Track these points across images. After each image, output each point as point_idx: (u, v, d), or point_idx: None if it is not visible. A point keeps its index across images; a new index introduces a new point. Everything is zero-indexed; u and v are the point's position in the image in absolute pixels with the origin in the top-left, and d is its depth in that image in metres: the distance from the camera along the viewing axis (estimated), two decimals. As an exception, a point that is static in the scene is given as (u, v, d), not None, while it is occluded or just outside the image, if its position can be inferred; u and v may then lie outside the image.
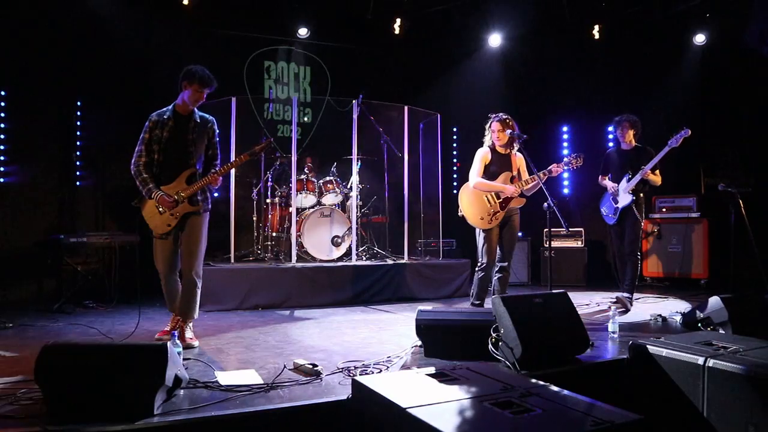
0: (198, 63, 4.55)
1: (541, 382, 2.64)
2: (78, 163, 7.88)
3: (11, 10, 6.92)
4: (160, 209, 4.39)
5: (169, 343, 2.86)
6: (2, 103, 7.35)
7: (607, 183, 6.29)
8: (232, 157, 6.70)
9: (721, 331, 4.32)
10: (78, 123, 7.93)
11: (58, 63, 7.42)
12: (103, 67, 7.59)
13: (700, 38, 8.58)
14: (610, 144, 9.35)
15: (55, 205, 7.68)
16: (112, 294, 6.71)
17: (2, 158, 7.32)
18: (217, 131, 4.68)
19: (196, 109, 4.55)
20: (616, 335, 4.54)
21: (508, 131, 5.24)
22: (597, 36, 8.82)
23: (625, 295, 6.18)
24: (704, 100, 8.37)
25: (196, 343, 4.41)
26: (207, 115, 4.64)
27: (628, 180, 6.09)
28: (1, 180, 7.28)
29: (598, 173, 6.50)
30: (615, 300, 6.31)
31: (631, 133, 6.22)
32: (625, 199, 6.10)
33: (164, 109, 4.52)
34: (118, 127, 7.71)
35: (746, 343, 3.44)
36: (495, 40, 9.22)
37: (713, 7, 8.22)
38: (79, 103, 7.90)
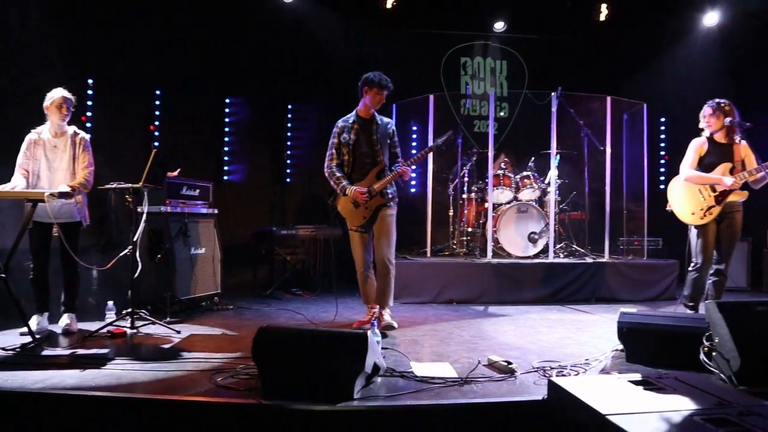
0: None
1: (765, 402, 2.36)
2: (288, 161, 8.62)
3: (238, 30, 7.81)
4: (356, 204, 4.74)
5: (369, 332, 3.00)
6: (227, 110, 8.28)
7: None
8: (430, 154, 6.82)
9: None
10: (288, 125, 8.66)
11: (272, 71, 8.16)
12: (309, 73, 8.23)
13: None
14: None
15: (268, 200, 8.50)
16: (316, 283, 7.20)
17: (227, 158, 8.25)
18: (396, 131, 5.01)
19: (376, 113, 4.91)
20: None
21: (727, 119, 4.73)
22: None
23: None
24: None
25: (395, 323, 4.74)
26: (385, 118, 5.01)
27: None
28: (226, 178, 8.21)
29: None
30: None
31: None
32: None
33: (348, 115, 4.94)
34: (323, 128, 8.26)
35: None
36: (711, 18, 8.37)
37: None
38: (290, 106, 8.63)
